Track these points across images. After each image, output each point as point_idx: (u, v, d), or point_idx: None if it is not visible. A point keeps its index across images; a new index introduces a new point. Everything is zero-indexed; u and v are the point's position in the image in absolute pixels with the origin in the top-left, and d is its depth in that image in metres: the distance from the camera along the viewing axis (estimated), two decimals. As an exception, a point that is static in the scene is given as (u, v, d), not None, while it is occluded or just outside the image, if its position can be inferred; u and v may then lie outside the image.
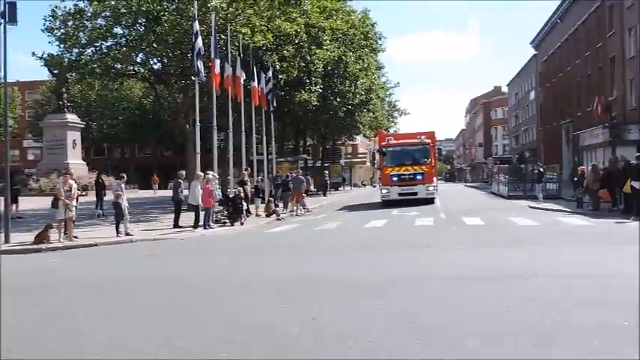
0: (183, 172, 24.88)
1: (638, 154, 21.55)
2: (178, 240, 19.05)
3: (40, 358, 6.17)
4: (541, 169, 34.48)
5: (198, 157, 24.73)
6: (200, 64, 24.10)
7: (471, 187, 70.48)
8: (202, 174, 22.64)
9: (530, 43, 74.61)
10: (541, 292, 8.60)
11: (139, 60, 33.41)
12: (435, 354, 5.94)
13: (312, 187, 48.63)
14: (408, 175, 31.73)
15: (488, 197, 40.57)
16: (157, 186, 56.97)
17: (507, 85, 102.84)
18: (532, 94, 78.48)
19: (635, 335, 6.26)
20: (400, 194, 31.50)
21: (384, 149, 33.03)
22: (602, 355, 5.73)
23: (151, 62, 33.69)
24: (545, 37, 67.39)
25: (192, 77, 26.34)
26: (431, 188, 31.93)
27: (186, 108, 32.51)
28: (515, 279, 9.70)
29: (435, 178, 33.60)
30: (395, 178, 31.86)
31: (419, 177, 31.63)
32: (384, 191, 32.64)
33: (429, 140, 32.92)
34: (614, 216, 21.37)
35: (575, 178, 27.09)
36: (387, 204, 31.33)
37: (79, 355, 6.44)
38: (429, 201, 31.68)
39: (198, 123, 24.92)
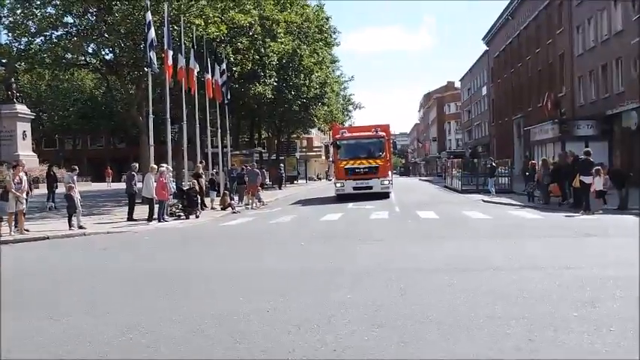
0: (137, 165, 24.55)
1: (586, 149, 22.02)
2: (132, 233, 18.81)
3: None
4: (493, 164, 35.12)
5: (152, 149, 24.46)
6: (153, 55, 23.80)
7: (425, 181, 71.19)
8: (156, 166, 22.38)
9: (482, 39, 75.65)
10: (495, 284, 8.73)
11: (90, 50, 32.80)
12: (390, 346, 5.98)
13: (267, 181, 48.54)
14: (363, 168, 31.08)
15: (442, 191, 41.07)
16: (110, 179, 56.11)
17: (460, 81, 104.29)
18: (484, 90, 79.64)
19: (587, 326, 6.42)
20: (355, 188, 30.87)
21: (338, 142, 32.40)
22: (557, 345, 5.86)
23: (103, 53, 33.11)
24: (496, 33, 68.41)
25: (145, 68, 26.03)
26: (386, 182, 31.36)
27: (139, 99, 32.06)
28: (469, 272, 9.83)
29: (390, 172, 33.04)
30: (349, 172, 31.18)
31: (374, 171, 31.04)
32: (338, 185, 31.83)
33: (384, 133, 32.45)
34: (563, 210, 21.87)
35: (527, 173, 27.62)
36: (341, 198, 30.83)
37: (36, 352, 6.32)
38: (385, 195, 31.27)
39: (151, 115, 24.62)
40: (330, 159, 35.83)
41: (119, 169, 61.87)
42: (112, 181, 55.22)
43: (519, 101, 57.34)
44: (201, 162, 28.94)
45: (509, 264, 10.48)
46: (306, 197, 37.03)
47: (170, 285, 9.61)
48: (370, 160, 31.17)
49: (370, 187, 30.85)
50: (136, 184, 23.03)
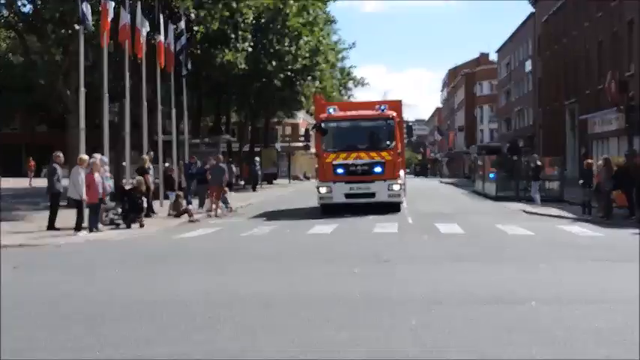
0: (60, 154, 24.21)
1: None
2: (53, 247, 18.72)
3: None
4: (538, 163, 35.11)
5: (83, 134, 24.33)
6: (86, 9, 23.69)
7: (449, 183, 71.37)
8: (87, 157, 22.27)
9: (527, -1, 75.84)
10: (534, 321, 8.80)
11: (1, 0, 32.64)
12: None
13: (237, 180, 48.54)
14: (361, 165, 27.80)
15: (470, 197, 41.20)
16: (33, 173, 55.91)
17: (497, 52, 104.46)
18: (528, 65, 79.71)
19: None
20: (348, 196, 27.90)
21: (323, 124, 28.73)
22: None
23: (18, 3, 32.93)
24: (546, -10, 68.54)
25: (76, 26, 25.87)
26: (396, 187, 28.07)
27: (66, 68, 31.93)
28: (501, 304, 9.88)
29: (402, 172, 29.91)
30: (340, 171, 27.93)
31: (377, 169, 27.73)
32: (322, 191, 28.32)
33: (394, 113, 29.00)
34: (630, 225, 21.91)
35: (581, 181, 27.30)
36: (328, 211, 28.19)
37: None
38: (393, 207, 28.31)
39: (82, 88, 24.50)
40: (310, 149, 34.05)
41: (39, 161, 61.61)
42: (35, 176, 55.03)
43: (574, 81, 57.42)
44: (148, 153, 28.89)
45: (554, 295, 10.53)
46: (288, 202, 36.86)
47: (96, 319, 9.57)
48: (372, 153, 27.94)
49: (371, 195, 27.93)
50: (59, 181, 22.94)
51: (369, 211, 27.41)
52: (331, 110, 29.79)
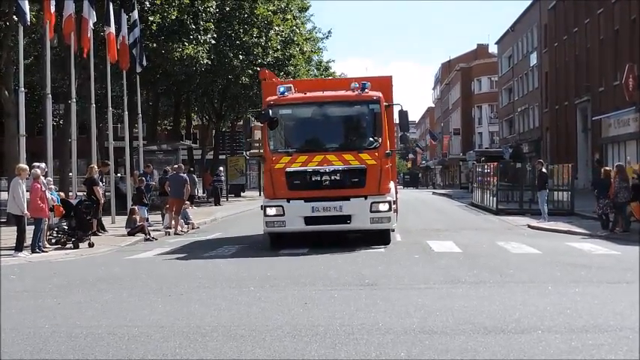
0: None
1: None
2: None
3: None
4: (544, 170, 35.18)
5: (23, 140, 24.27)
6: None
7: (443, 195, 71.43)
8: (27, 167, 22.20)
9: (532, -19, 76.19)
10: (543, 353, 8.90)
11: None
12: None
13: (199, 192, 48.40)
14: (330, 173, 21.57)
15: (467, 211, 41.31)
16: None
17: (497, 44, 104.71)
18: (533, 58, 79.92)
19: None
20: (310, 220, 21.75)
21: (271, 110, 22.25)
22: None
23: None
24: (553, -28, 68.83)
25: (14, 18, 25.85)
26: (383, 207, 21.80)
27: (4, 65, 31.86)
28: (503, 334, 9.99)
29: (391, 184, 23.10)
30: (298, 182, 21.85)
31: (355, 179, 21.71)
32: (270, 212, 21.91)
33: (379, 94, 22.61)
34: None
35: (596, 191, 27.28)
36: (278, 242, 22.95)
37: None
38: (380, 237, 22.58)
39: (22, 89, 24.43)
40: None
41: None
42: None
43: (586, 77, 57.64)
44: (105, 163, 28.77)
45: (565, 323, 10.64)
46: (258, 218, 36.62)
47: (39, 352, 9.56)
48: (347, 155, 21.76)
49: (345, 219, 21.83)
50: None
51: (339, 240, 23.21)
52: (283, 90, 22.88)
